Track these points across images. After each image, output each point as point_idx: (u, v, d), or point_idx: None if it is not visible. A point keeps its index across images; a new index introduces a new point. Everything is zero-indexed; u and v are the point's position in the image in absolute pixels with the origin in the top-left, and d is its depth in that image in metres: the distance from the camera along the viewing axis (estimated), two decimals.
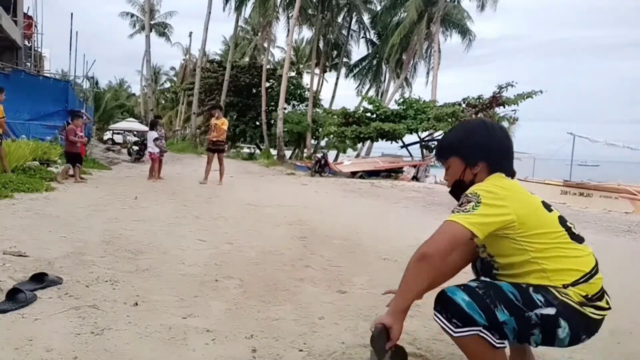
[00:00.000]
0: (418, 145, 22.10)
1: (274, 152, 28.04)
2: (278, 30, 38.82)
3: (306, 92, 32.99)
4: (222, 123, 10.72)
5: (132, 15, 42.84)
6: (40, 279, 2.92)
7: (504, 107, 19.65)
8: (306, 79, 37.54)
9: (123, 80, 60.08)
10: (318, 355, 2.24)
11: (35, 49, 20.47)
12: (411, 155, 22.01)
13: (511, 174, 1.85)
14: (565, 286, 1.63)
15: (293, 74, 37.74)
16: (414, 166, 19.91)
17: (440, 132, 20.05)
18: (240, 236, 4.94)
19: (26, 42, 19.25)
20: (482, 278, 1.87)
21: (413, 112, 20.50)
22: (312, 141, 29.73)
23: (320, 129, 27.07)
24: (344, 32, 34.88)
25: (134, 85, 75.59)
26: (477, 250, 1.94)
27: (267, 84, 31.71)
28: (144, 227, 5.11)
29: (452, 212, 1.68)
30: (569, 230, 1.73)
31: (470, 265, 2.03)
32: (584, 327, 1.66)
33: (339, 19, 33.92)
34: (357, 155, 28.66)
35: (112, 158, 17.96)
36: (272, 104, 31.58)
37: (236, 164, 21.74)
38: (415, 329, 2.63)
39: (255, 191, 9.73)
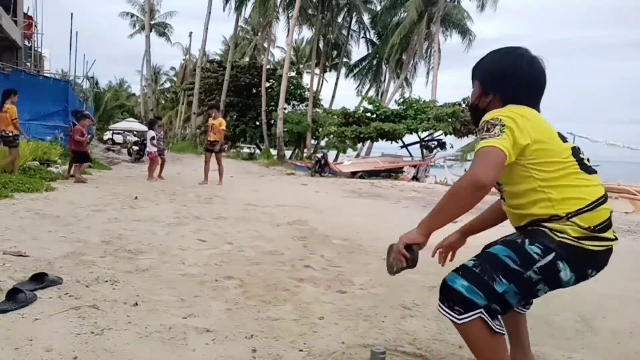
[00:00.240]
0: (418, 145, 22.11)
1: (274, 152, 28.05)
2: (278, 30, 38.95)
3: (306, 92, 32.98)
4: (219, 123, 10.69)
5: (132, 15, 42.86)
6: (40, 279, 2.92)
7: None
8: (306, 79, 37.60)
9: (123, 80, 60.15)
10: (318, 355, 2.24)
11: (35, 49, 20.47)
12: (411, 155, 22.02)
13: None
14: (568, 215, 1.63)
15: (293, 74, 37.74)
16: (414, 166, 19.92)
17: (440, 132, 20.08)
18: (240, 236, 4.94)
19: (26, 42, 19.25)
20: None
21: (413, 112, 20.52)
22: (312, 141, 29.73)
23: (320, 129, 27.08)
24: (344, 32, 34.88)
25: (134, 85, 75.63)
26: None
27: (267, 84, 31.72)
28: (144, 227, 5.11)
29: (482, 138, 1.65)
30: (580, 161, 1.72)
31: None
32: (587, 262, 1.66)
33: (339, 19, 33.92)
34: (357, 155, 28.66)
35: (112, 158, 17.97)
36: (272, 104, 31.57)
37: (236, 164, 21.74)
38: (415, 329, 2.63)
39: (255, 191, 9.73)
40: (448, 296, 1.67)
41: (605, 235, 1.66)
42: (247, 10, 32.87)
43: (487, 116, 1.71)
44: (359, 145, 28.84)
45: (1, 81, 14.22)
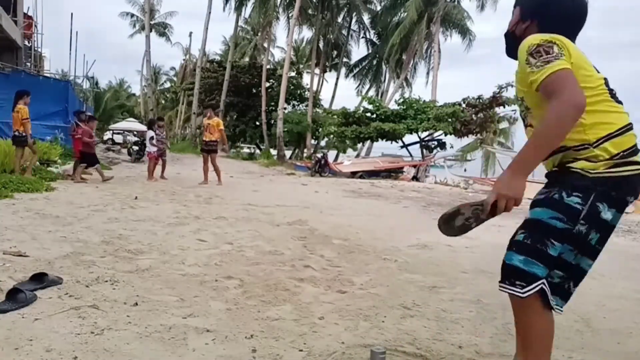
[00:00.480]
0: (418, 145, 22.11)
1: (274, 152, 28.05)
2: (278, 30, 39.01)
3: (306, 92, 32.99)
4: (217, 123, 10.65)
5: (132, 15, 42.90)
6: (40, 279, 2.92)
7: (504, 107, 19.67)
8: (306, 79, 37.60)
9: (123, 80, 60.17)
10: (318, 355, 2.24)
11: (35, 49, 20.45)
12: (411, 155, 22.03)
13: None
14: (598, 141, 1.64)
15: (293, 74, 37.72)
16: (414, 166, 19.93)
17: (440, 132, 20.08)
18: (240, 236, 4.94)
19: (26, 42, 19.23)
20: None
21: (413, 112, 20.52)
22: (312, 141, 29.74)
23: (320, 129, 27.09)
24: (344, 32, 34.89)
25: (134, 85, 75.64)
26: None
27: (267, 84, 31.72)
28: (144, 227, 5.12)
29: (547, 61, 1.62)
30: (611, 92, 1.74)
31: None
32: (624, 190, 1.68)
33: (339, 19, 33.93)
34: (357, 155, 28.67)
35: (112, 158, 17.98)
36: (272, 104, 31.58)
37: (236, 164, 21.74)
38: (415, 329, 2.63)
39: (255, 191, 9.73)
40: (508, 274, 1.72)
41: (635, 159, 1.68)
42: (247, 10, 32.93)
43: (533, 39, 1.69)
44: (359, 145, 28.85)
45: (1, 81, 14.24)
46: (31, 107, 12.85)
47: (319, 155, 20.75)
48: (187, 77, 45.24)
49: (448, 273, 3.87)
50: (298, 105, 34.67)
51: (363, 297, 3.14)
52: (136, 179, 10.95)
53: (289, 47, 28.34)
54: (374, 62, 34.90)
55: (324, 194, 9.93)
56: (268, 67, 32.50)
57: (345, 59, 35.75)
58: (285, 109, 28.36)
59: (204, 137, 10.84)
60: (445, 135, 20.22)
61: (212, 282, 3.30)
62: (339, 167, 19.27)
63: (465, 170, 28.27)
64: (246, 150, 34.92)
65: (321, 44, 33.31)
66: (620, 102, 1.77)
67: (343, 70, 35.63)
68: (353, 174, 17.74)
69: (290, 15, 29.99)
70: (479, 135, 20.73)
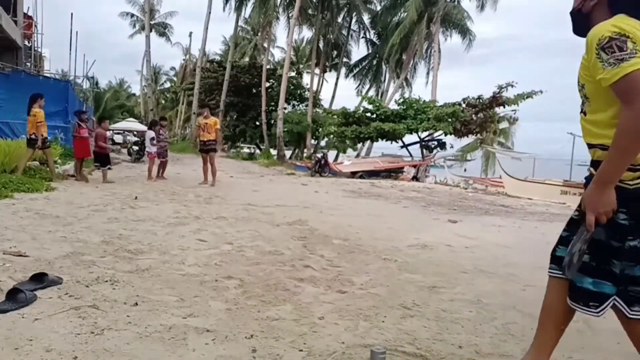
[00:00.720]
0: (418, 145, 22.11)
1: (274, 152, 28.05)
2: (278, 30, 38.92)
3: (306, 92, 32.99)
4: (214, 122, 10.61)
5: (132, 15, 42.89)
6: (40, 279, 2.92)
7: (504, 107, 19.66)
8: (306, 79, 37.61)
9: (123, 80, 60.14)
10: (318, 355, 2.24)
11: (35, 49, 20.44)
12: (411, 155, 22.02)
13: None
14: None
15: (293, 74, 37.74)
16: (414, 166, 19.93)
17: (440, 132, 20.08)
18: (240, 236, 4.94)
19: (26, 42, 19.22)
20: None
21: (413, 112, 20.51)
22: (312, 141, 29.74)
23: (320, 129, 27.09)
24: (344, 32, 34.89)
25: (134, 85, 75.57)
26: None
27: (267, 84, 31.72)
28: (144, 227, 5.12)
29: (620, 59, 1.55)
30: None
31: None
32: None
33: (339, 19, 33.93)
34: (357, 155, 28.68)
35: (112, 158, 17.92)
36: (272, 104, 31.58)
37: (236, 164, 21.74)
38: (415, 329, 2.63)
39: (255, 191, 9.73)
40: (580, 296, 1.77)
41: None
42: (247, 10, 32.93)
43: (605, 30, 1.62)
44: (359, 145, 28.85)
45: (1, 81, 14.24)
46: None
47: (319, 155, 20.74)
48: (187, 77, 45.25)
49: (448, 273, 3.87)
50: (298, 105, 34.67)
51: (363, 297, 3.14)
52: (136, 179, 10.96)
53: (289, 47, 28.34)
54: (374, 62, 34.89)
55: (324, 194, 9.92)
56: (268, 67, 32.50)
57: (345, 59, 35.76)
58: (285, 109, 28.37)
59: (201, 137, 10.74)
60: (445, 135, 20.22)
61: (212, 282, 3.30)
62: (339, 167, 19.27)
63: (465, 170, 28.29)
64: (246, 150, 34.93)
65: (321, 44, 33.31)
66: None
67: (343, 70, 35.65)
68: (353, 174, 17.74)
69: (290, 15, 29.99)
70: (479, 135, 20.72)
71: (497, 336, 2.60)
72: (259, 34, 37.58)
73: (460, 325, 2.72)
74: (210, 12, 31.86)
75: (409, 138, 21.78)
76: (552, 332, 2.02)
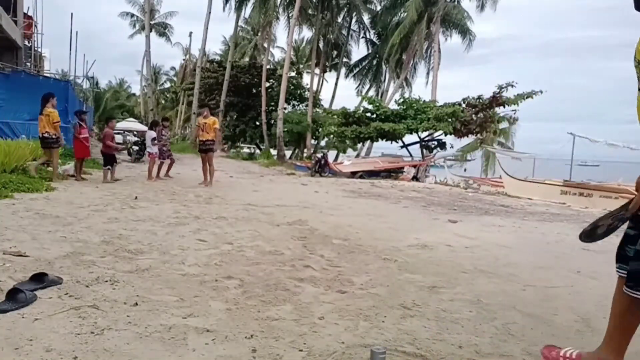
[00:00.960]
0: (418, 145, 22.11)
1: (274, 152, 28.05)
2: (278, 30, 38.71)
3: (306, 92, 32.99)
4: (213, 122, 10.58)
5: (132, 15, 42.89)
6: (40, 279, 2.92)
7: (504, 107, 19.67)
8: (306, 79, 37.62)
9: (123, 80, 60.22)
10: (318, 355, 2.24)
11: (35, 49, 20.46)
12: (411, 155, 22.02)
13: None
14: None
15: (293, 74, 37.74)
16: (414, 166, 19.93)
17: (440, 132, 20.08)
18: (240, 236, 4.94)
19: (26, 42, 19.25)
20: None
21: (413, 112, 20.51)
22: (312, 141, 29.74)
23: (320, 129, 27.09)
24: (344, 32, 34.89)
25: (134, 85, 75.50)
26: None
27: (267, 84, 31.72)
28: (144, 227, 5.12)
29: None
30: None
31: None
32: None
33: (339, 19, 33.93)
34: (357, 155, 28.68)
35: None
36: (272, 104, 31.59)
37: (236, 164, 21.74)
38: (415, 329, 2.63)
39: (255, 191, 9.73)
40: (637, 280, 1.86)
41: None
42: (247, 10, 32.93)
43: None
44: (359, 145, 28.85)
45: (1, 81, 14.24)
46: (31, 107, 12.94)
47: (319, 155, 20.74)
48: (187, 77, 45.25)
49: (448, 273, 3.87)
50: (298, 105, 34.68)
51: (363, 297, 3.14)
52: (136, 179, 10.95)
53: (289, 47, 28.35)
54: (374, 62, 34.90)
55: (324, 194, 9.92)
56: (268, 67, 32.50)
57: (345, 59, 35.76)
58: (285, 109, 28.37)
59: (200, 137, 10.70)
60: (445, 135, 20.22)
61: (212, 282, 3.30)
62: (339, 167, 19.27)
63: (465, 170, 28.31)
64: (246, 150, 34.92)
65: (321, 44, 33.31)
66: None
67: (343, 70, 35.65)
68: (353, 174, 17.73)
69: (290, 15, 29.99)
70: (479, 135, 20.72)
71: (497, 336, 2.60)
72: (259, 34, 37.59)
73: (460, 325, 2.72)
74: (210, 12, 31.86)
75: (409, 138, 21.79)
76: (626, 330, 2.06)
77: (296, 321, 2.65)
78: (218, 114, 26.44)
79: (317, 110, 31.33)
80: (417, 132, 20.60)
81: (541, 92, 18.68)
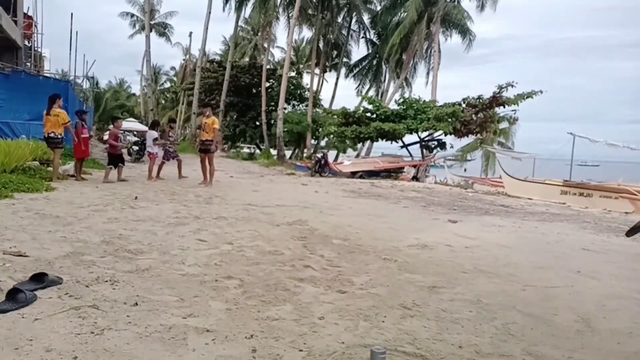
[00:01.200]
0: (418, 145, 22.10)
1: (274, 152, 28.04)
2: (278, 30, 38.66)
3: (306, 92, 32.98)
4: (212, 122, 10.58)
5: (132, 15, 42.82)
6: (40, 279, 2.92)
7: (504, 107, 19.65)
8: (306, 79, 37.59)
9: (123, 80, 60.11)
10: (318, 355, 2.24)
11: (35, 49, 20.45)
12: (411, 155, 22.01)
13: None
14: None
15: (293, 74, 37.72)
16: (414, 166, 19.92)
17: (440, 132, 20.07)
18: (240, 236, 4.94)
19: (26, 42, 19.24)
20: None
21: (413, 112, 20.50)
22: (312, 141, 29.73)
23: (320, 129, 27.07)
24: (344, 32, 34.86)
25: (134, 85, 75.43)
26: None
27: (267, 84, 31.70)
28: (144, 227, 5.11)
29: None
30: None
31: None
32: None
33: (339, 19, 33.91)
34: (357, 155, 28.66)
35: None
36: (272, 104, 31.57)
37: (236, 164, 21.73)
38: (415, 329, 2.63)
39: (255, 191, 9.73)
40: None
41: None
42: (247, 10, 32.89)
43: None
44: (359, 145, 28.84)
45: (1, 81, 14.23)
46: (31, 107, 12.91)
47: (319, 155, 20.72)
48: (187, 77, 45.21)
49: (448, 273, 3.87)
50: (298, 105, 34.66)
51: (363, 297, 3.14)
52: (136, 179, 10.95)
53: (289, 47, 28.34)
54: (374, 62, 34.88)
55: (324, 194, 9.92)
56: (268, 67, 32.48)
57: (345, 59, 35.73)
58: (285, 109, 28.35)
59: (201, 137, 10.73)
60: (445, 135, 20.20)
61: (212, 282, 3.30)
62: (339, 167, 19.25)
63: (465, 170, 28.30)
64: (246, 150, 34.92)
65: (321, 44, 33.29)
66: None
67: (343, 70, 35.62)
68: (353, 174, 17.72)
69: (290, 15, 29.97)
70: (479, 135, 20.71)
71: (497, 336, 2.60)
72: (259, 34, 37.57)
73: (460, 325, 2.72)
74: (210, 12, 31.82)
75: (409, 138, 21.76)
76: None
77: (296, 321, 2.65)
78: (218, 114, 26.40)
79: (317, 110, 31.31)
80: (417, 132, 20.58)
81: (541, 92, 18.67)
